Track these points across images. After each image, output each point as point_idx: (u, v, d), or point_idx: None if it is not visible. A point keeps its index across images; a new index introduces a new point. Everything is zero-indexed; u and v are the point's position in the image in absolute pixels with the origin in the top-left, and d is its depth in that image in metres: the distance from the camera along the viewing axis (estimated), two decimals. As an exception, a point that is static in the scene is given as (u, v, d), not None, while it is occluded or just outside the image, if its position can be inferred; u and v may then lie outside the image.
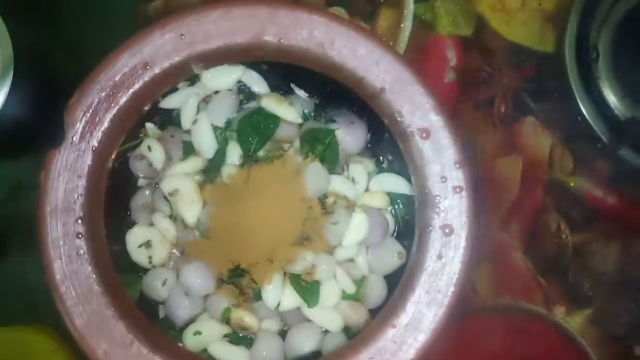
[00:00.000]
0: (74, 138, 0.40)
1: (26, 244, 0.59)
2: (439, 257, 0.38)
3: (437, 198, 0.38)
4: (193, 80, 0.50)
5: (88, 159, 0.40)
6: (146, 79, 0.41)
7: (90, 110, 0.40)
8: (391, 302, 0.41)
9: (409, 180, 0.48)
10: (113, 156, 0.41)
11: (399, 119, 0.39)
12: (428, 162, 0.38)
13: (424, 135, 0.38)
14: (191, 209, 0.50)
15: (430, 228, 0.38)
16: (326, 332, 0.49)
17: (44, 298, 0.61)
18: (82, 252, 0.39)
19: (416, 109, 0.38)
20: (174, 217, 0.51)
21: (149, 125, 0.50)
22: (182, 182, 0.50)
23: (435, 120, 0.38)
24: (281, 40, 0.40)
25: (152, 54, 0.41)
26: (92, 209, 0.40)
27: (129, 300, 0.41)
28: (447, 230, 0.38)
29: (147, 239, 0.50)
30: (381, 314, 0.41)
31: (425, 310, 0.39)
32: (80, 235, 0.39)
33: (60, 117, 0.40)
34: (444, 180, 0.38)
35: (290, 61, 0.41)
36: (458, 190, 0.38)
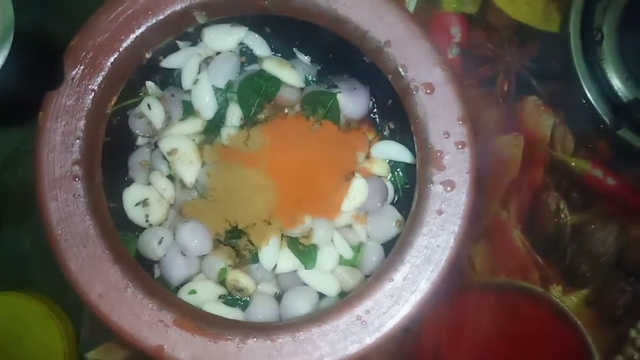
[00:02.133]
0: (74, 80, 0.39)
1: (22, 212, 0.59)
2: (439, 212, 0.37)
3: (439, 154, 0.38)
4: (195, 40, 0.50)
5: (87, 102, 0.39)
6: (148, 24, 0.40)
7: (91, 53, 0.40)
8: (389, 257, 0.41)
9: (411, 149, 0.48)
10: (112, 102, 0.41)
11: (402, 73, 0.38)
12: (431, 118, 0.38)
13: (428, 90, 0.38)
14: (190, 169, 0.49)
15: (431, 184, 0.37)
16: (322, 296, 0.49)
17: (39, 266, 0.61)
18: (79, 194, 0.38)
19: (420, 64, 0.38)
20: (172, 177, 0.50)
21: (150, 84, 0.50)
22: (181, 142, 0.50)
23: (439, 75, 0.38)
24: (286, -9, 0.40)
25: (154, 0, 0.40)
26: (89, 153, 0.39)
27: (125, 246, 0.40)
28: (448, 187, 0.37)
29: (145, 198, 0.49)
30: (379, 269, 0.40)
31: (423, 265, 0.38)
32: (77, 178, 0.38)
33: (59, 60, 0.39)
34: (446, 136, 0.38)
35: (295, 14, 0.40)
36: (460, 146, 0.38)
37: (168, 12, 0.40)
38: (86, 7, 0.46)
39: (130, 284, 0.37)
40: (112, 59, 0.40)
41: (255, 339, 0.37)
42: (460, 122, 0.38)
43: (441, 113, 0.38)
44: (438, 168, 0.37)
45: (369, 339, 0.37)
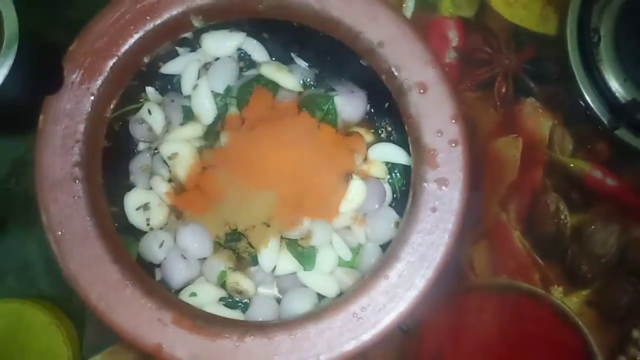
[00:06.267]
0: (74, 84, 0.40)
1: (26, 220, 0.60)
2: (433, 209, 0.38)
3: (433, 152, 0.38)
4: (194, 46, 0.51)
5: (87, 106, 0.40)
6: (146, 29, 0.41)
7: (90, 57, 0.40)
8: (385, 255, 0.41)
9: (408, 151, 0.49)
10: (112, 106, 0.42)
11: (395, 73, 0.39)
12: (424, 117, 0.38)
13: (421, 90, 0.38)
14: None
15: (425, 182, 0.38)
16: (321, 297, 0.49)
17: (43, 273, 0.61)
18: (79, 196, 0.39)
19: (413, 63, 0.39)
20: (172, 181, 0.51)
21: (150, 90, 0.51)
22: (181, 146, 0.50)
23: (432, 74, 0.38)
24: (280, -6, 0.40)
25: (152, 5, 0.41)
26: (89, 155, 0.40)
27: (124, 248, 0.41)
28: (442, 184, 0.38)
29: (145, 202, 0.50)
30: (374, 267, 0.40)
31: (418, 262, 0.39)
32: (77, 180, 0.39)
33: (59, 64, 0.40)
34: (440, 134, 0.38)
35: (290, 17, 0.41)
36: (454, 144, 0.38)
37: (165, 17, 0.41)
38: (86, 13, 0.47)
39: (130, 284, 0.37)
40: (111, 63, 0.41)
41: (252, 337, 0.37)
42: (453, 121, 0.38)
43: (434, 112, 0.38)
44: (432, 166, 0.38)
45: (365, 336, 0.38)
